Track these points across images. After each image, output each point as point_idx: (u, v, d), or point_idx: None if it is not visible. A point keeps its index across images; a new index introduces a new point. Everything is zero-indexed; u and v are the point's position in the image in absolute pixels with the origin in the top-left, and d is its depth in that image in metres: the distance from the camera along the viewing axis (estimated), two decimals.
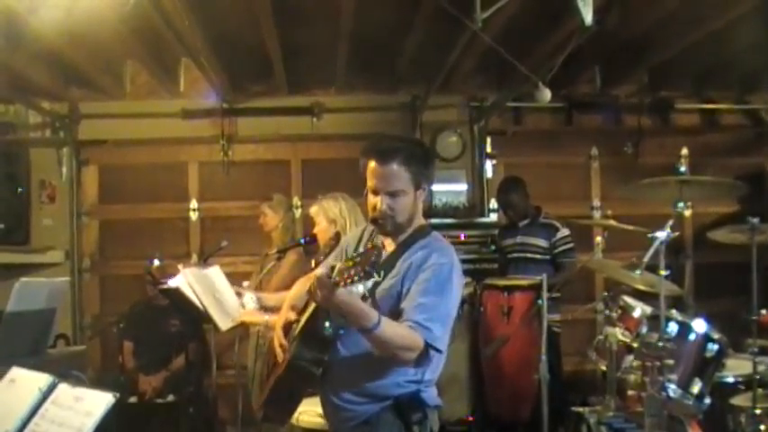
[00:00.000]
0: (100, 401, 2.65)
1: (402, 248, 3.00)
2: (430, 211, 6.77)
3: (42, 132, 7.32)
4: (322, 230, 4.76)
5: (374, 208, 2.98)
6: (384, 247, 3.00)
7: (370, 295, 2.90)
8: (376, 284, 2.89)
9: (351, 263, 2.52)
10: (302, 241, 5.17)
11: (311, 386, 3.04)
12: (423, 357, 2.83)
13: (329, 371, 2.91)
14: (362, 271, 2.48)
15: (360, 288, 2.66)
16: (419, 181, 2.97)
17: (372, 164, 2.95)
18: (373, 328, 2.65)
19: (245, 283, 5.15)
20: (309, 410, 4.00)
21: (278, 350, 3.02)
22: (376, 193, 2.96)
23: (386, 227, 2.99)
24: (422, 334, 2.76)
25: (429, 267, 2.88)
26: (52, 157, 7.30)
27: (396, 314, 2.83)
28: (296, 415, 4.23)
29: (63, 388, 2.76)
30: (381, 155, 2.93)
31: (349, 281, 2.50)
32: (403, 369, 2.87)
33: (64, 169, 7.32)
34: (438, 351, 2.84)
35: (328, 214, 4.72)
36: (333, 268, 2.58)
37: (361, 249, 3.04)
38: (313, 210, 4.85)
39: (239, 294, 4.77)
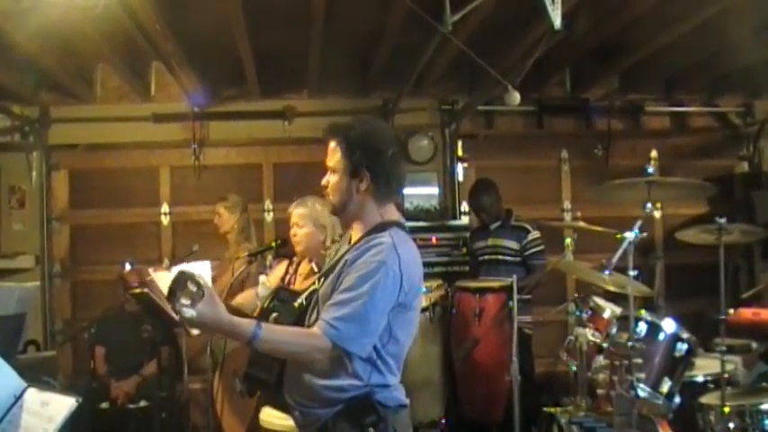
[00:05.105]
0: (62, 406, 2.65)
1: (350, 247, 2.86)
2: (402, 215, 6.76)
3: (12, 137, 7.24)
4: (307, 234, 4.49)
5: None
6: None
7: (311, 299, 2.88)
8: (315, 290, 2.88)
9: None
10: (275, 245, 5.14)
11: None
12: (342, 357, 2.69)
13: (284, 373, 2.90)
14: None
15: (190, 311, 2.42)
16: (354, 166, 2.82)
17: None
18: (252, 340, 2.56)
19: (262, 278, 5.02)
20: (274, 413, 4.00)
21: None
22: None
23: (330, 203, 2.94)
24: (328, 333, 2.63)
25: (358, 265, 2.73)
26: (22, 162, 7.23)
27: None
28: (261, 416, 4.24)
29: (31, 392, 2.75)
30: (327, 129, 2.90)
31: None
32: (345, 372, 2.72)
33: (34, 174, 7.24)
34: (346, 352, 2.67)
35: (319, 219, 4.45)
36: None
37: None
38: (299, 212, 4.56)
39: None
